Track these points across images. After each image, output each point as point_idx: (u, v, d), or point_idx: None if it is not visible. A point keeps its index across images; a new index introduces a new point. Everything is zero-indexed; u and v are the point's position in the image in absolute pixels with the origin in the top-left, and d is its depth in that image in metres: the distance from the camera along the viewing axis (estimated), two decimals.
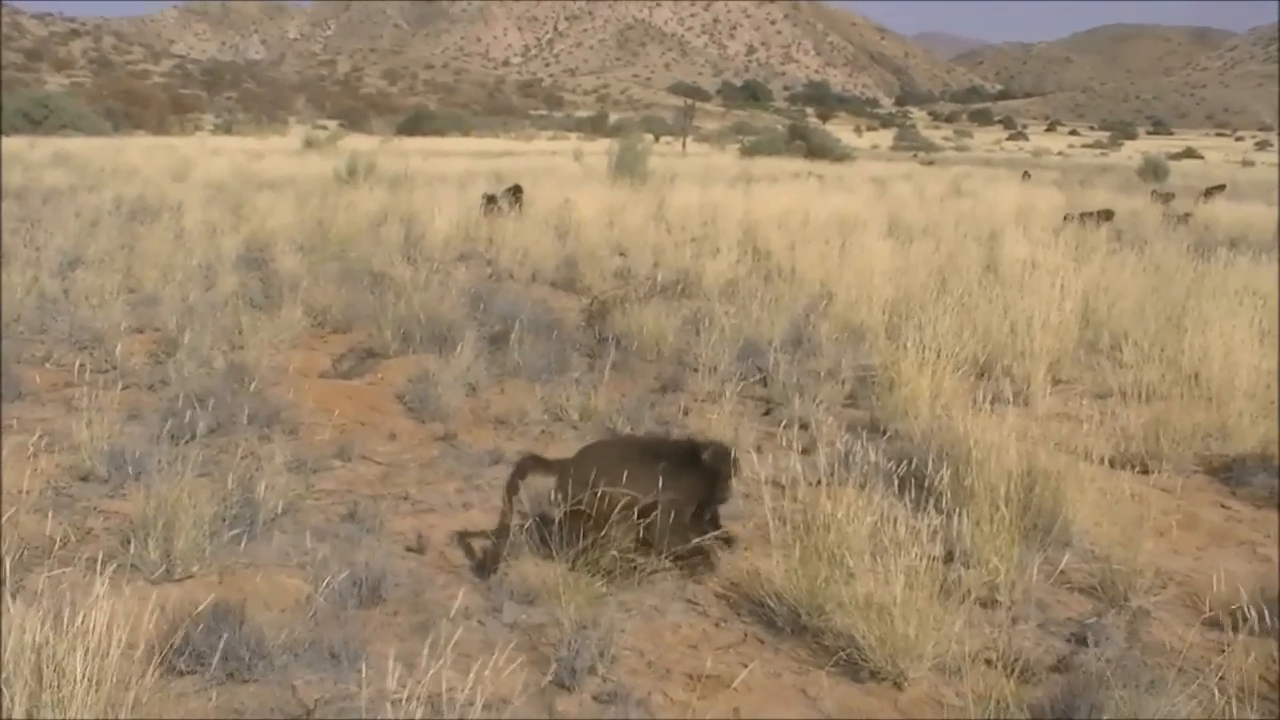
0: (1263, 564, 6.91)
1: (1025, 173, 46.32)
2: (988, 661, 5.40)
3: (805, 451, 8.00)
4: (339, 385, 10.42)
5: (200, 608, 5.22)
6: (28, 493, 6.59)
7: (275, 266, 15.92)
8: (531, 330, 11.47)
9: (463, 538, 6.75)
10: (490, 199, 22.61)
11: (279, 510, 6.87)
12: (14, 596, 4.57)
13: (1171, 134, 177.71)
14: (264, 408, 9.01)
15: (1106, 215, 24.62)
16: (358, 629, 5.47)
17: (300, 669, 5.11)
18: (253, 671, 4.99)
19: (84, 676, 4.19)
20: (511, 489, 6.40)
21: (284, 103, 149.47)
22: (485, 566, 6.27)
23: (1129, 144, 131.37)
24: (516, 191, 23.41)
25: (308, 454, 8.22)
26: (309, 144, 55.61)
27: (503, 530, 6.31)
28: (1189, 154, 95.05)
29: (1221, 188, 36.87)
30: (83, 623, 4.31)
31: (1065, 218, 24.09)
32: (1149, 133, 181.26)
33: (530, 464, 6.56)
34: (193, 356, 10.49)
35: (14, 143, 46.05)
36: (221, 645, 5.02)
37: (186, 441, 8.08)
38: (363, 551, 6.32)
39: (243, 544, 6.37)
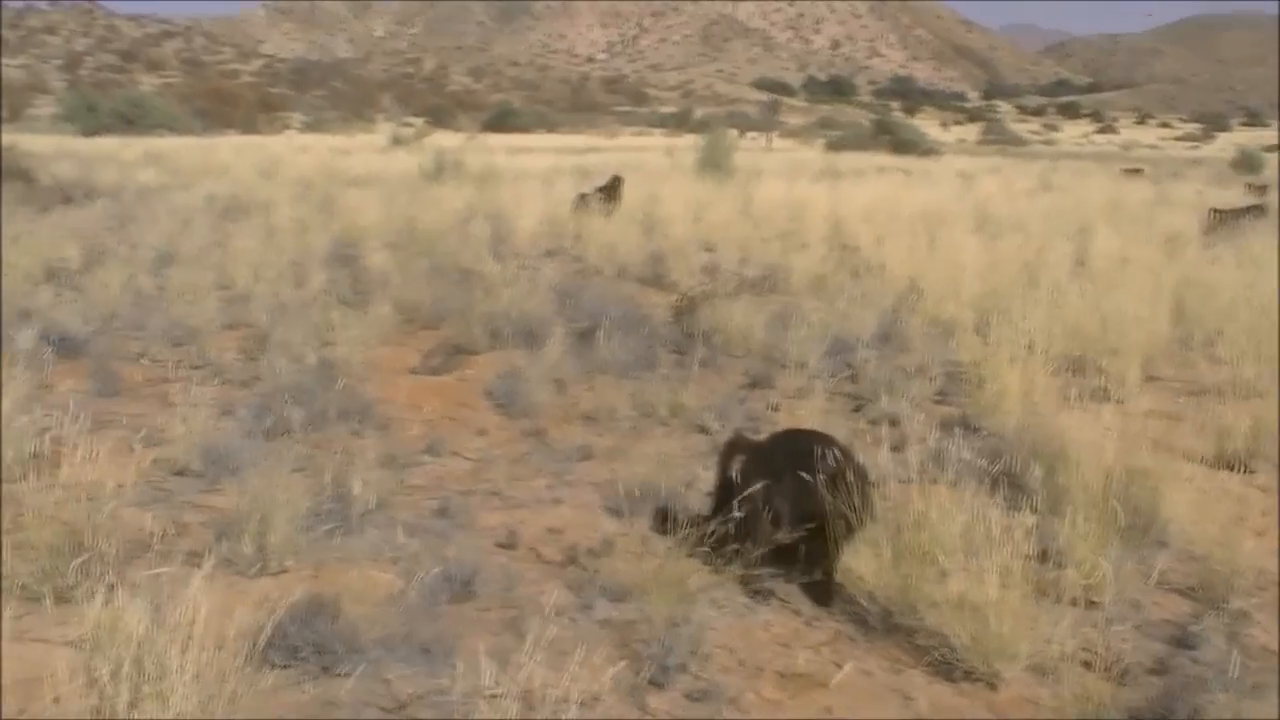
0: None
1: (1139, 169, 45.15)
2: (1084, 663, 5.33)
3: (896, 448, 7.94)
4: (428, 381, 10.47)
5: (294, 601, 5.27)
6: (127, 487, 6.69)
7: (364, 263, 16.02)
8: (619, 326, 11.45)
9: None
10: (582, 197, 22.54)
11: (371, 505, 6.91)
12: (115, 590, 4.62)
13: (1266, 125, 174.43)
14: (355, 404, 9.09)
15: (1258, 210, 24.05)
16: (450, 624, 5.50)
17: (393, 663, 5.14)
18: (346, 665, 5.02)
19: (182, 670, 4.24)
20: (724, 464, 6.53)
21: (371, 100, 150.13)
22: (723, 543, 6.10)
23: (1222, 136, 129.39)
24: (615, 185, 23.19)
25: (398, 449, 8.29)
26: (396, 141, 56.01)
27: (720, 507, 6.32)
28: None
29: None
30: (181, 617, 4.36)
31: (1212, 213, 23.59)
32: (1242, 124, 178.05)
33: (738, 442, 6.63)
34: (284, 353, 10.58)
35: (108, 143, 46.83)
36: (315, 639, 5.08)
37: (280, 437, 8.16)
38: (454, 547, 6.37)
39: (336, 539, 6.45)
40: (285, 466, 6.82)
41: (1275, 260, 15.08)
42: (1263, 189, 32.47)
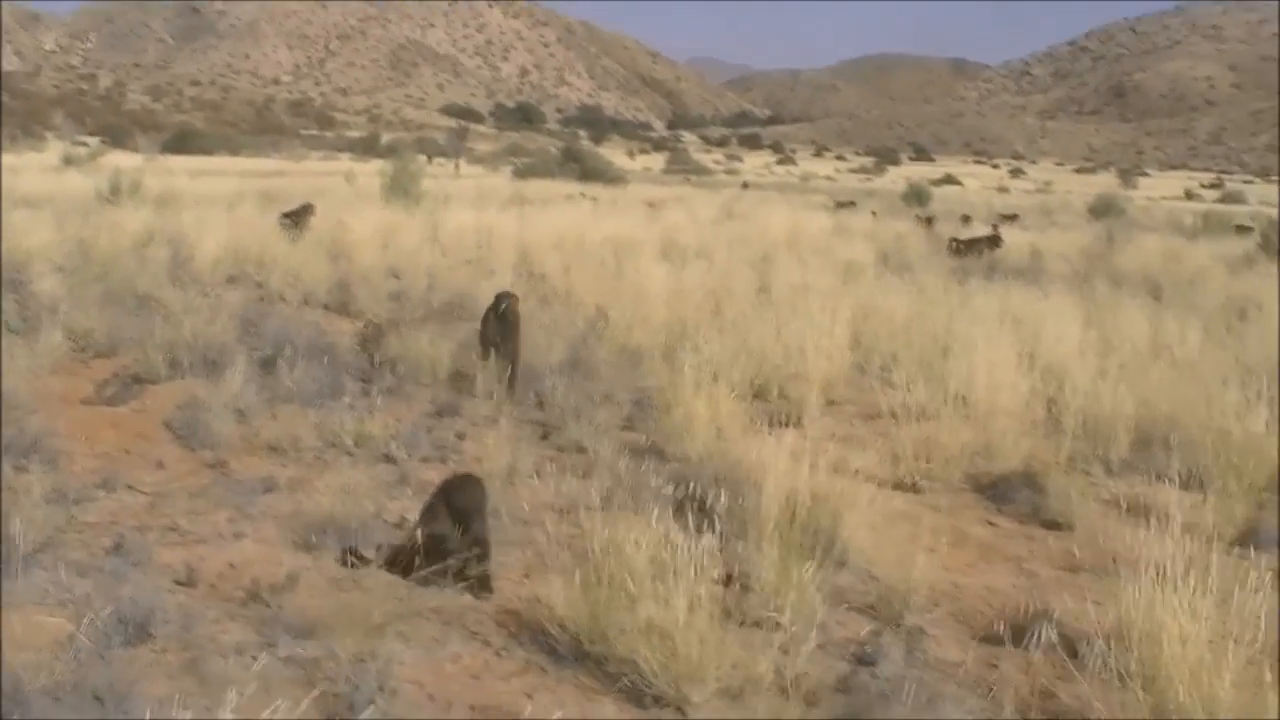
0: (1028, 579, 7.13)
1: (852, 201, 46.84)
2: (770, 684, 5.41)
3: (584, 475, 7.97)
4: (103, 412, 10.01)
5: None
6: None
7: (33, 288, 15.23)
8: (304, 355, 11.15)
9: None
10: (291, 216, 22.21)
11: (37, 545, 6.52)
12: None
13: (932, 160, 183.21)
14: (20, 437, 8.57)
15: (995, 241, 25.34)
16: (123, 669, 5.22)
17: (62, 713, 4.85)
18: (9, 718, 4.72)
19: None
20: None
21: (41, 117, 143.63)
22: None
23: (893, 169, 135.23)
24: (304, 212, 22.80)
25: (68, 485, 7.86)
26: (69, 161, 53.61)
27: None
28: (949, 180, 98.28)
29: (1015, 217, 39.26)
30: None
31: (951, 243, 24.89)
32: (911, 159, 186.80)
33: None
34: None
35: None
36: None
37: None
38: (128, 586, 6.03)
39: None
40: None
41: (943, 290, 15.81)
42: (929, 220, 34.46)
